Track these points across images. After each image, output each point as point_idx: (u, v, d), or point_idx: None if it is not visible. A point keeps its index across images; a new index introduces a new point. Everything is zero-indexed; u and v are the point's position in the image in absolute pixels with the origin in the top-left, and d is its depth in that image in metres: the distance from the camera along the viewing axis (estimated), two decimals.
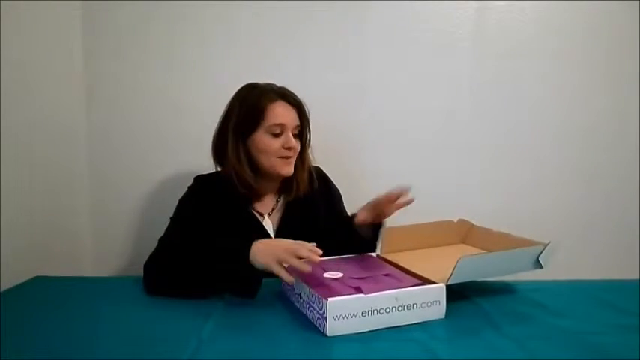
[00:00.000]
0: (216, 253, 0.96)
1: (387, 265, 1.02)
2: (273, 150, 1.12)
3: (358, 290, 0.84)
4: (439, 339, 0.79)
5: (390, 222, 1.13)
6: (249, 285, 0.93)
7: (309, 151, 1.22)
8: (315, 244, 0.91)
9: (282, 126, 1.12)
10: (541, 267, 0.97)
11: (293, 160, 1.15)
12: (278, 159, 1.13)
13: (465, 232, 1.20)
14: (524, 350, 0.75)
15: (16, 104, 1.16)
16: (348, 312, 0.80)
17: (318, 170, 1.27)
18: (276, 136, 1.12)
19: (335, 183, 1.30)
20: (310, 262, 0.88)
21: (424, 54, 1.52)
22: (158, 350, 0.74)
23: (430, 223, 1.18)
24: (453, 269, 0.86)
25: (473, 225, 1.20)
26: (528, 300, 0.98)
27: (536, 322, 0.87)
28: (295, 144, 1.14)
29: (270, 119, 1.12)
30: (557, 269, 0.97)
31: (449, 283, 0.87)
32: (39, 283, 1.10)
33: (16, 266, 1.11)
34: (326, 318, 0.79)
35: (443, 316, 0.86)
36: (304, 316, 0.88)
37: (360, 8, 1.49)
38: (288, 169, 1.14)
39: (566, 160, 1.57)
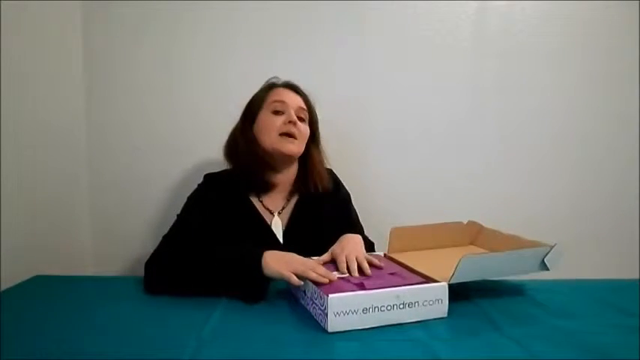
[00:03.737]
0: (226, 258, 0.96)
1: (394, 264, 1.03)
2: (274, 126, 1.11)
3: (360, 287, 0.85)
4: (440, 339, 0.79)
5: (397, 222, 1.12)
6: (258, 293, 0.94)
7: (320, 148, 1.22)
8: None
9: (283, 103, 1.12)
10: (547, 269, 0.96)
11: (298, 142, 1.13)
12: (280, 137, 1.11)
13: (474, 234, 1.20)
14: (524, 350, 0.75)
15: (16, 104, 1.16)
16: (348, 308, 0.80)
17: (330, 172, 1.26)
18: (278, 113, 1.12)
19: None
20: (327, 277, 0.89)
21: (424, 54, 1.52)
22: (158, 350, 0.74)
23: (439, 223, 1.17)
24: (456, 268, 0.86)
25: (482, 226, 1.19)
26: (529, 300, 0.98)
27: (536, 322, 0.87)
28: (297, 121, 1.12)
29: (272, 97, 1.14)
30: (557, 269, 0.97)
31: (451, 282, 0.87)
32: (39, 282, 1.10)
33: (16, 266, 1.11)
34: (327, 314, 0.79)
35: (445, 315, 0.86)
36: (304, 314, 0.88)
37: (360, 8, 1.49)
38: (290, 148, 1.12)
39: (566, 159, 1.58)
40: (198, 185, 1.19)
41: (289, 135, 1.11)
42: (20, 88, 1.18)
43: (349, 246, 1.02)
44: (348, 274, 0.94)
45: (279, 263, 0.93)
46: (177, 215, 1.14)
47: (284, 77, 1.23)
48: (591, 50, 1.54)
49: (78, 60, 1.45)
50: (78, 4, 1.44)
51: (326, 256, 1.02)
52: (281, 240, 1.15)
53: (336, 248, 1.03)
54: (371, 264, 0.98)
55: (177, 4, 1.45)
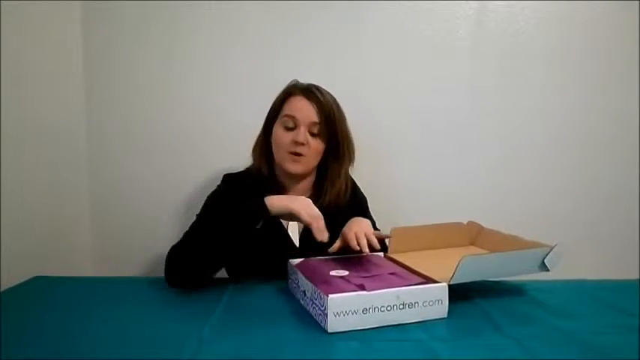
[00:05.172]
0: (233, 208, 1.00)
1: (394, 264, 1.03)
2: (283, 143, 1.10)
3: (361, 288, 0.85)
4: (440, 339, 0.79)
5: (397, 222, 1.12)
6: (259, 210, 0.97)
7: (343, 161, 1.17)
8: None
9: (294, 119, 1.10)
10: (547, 270, 0.96)
11: (304, 160, 1.11)
12: (287, 154, 1.10)
13: (474, 234, 1.19)
14: (524, 350, 0.75)
15: (16, 104, 1.16)
16: (348, 309, 0.80)
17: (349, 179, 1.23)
18: (289, 129, 1.11)
19: None
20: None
21: (424, 54, 1.52)
22: (158, 350, 0.74)
23: (439, 224, 1.16)
24: (456, 269, 0.86)
25: (482, 227, 1.18)
26: (529, 300, 0.99)
27: (536, 323, 0.87)
28: (306, 139, 1.09)
29: (285, 110, 1.12)
30: (557, 269, 0.97)
31: (451, 282, 0.86)
32: (39, 283, 1.10)
33: (16, 266, 1.11)
34: (327, 314, 0.79)
35: (445, 316, 0.86)
36: (304, 314, 0.88)
37: (359, 8, 1.49)
38: (294, 167, 1.11)
39: (566, 159, 1.58)
40: (218, 185, 1.19)
41: (296, 154, 1.10)
42: (20, 88, 1.18)
43: (358, 225, 1.05)
44: (348, 273, 0.94)
45: (284, 199, 0.98)
46: (197, 215, 1.14)
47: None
48: (591, 50, 1.54)
49: (78, 60, 1.45)
50: (78, 4, 1.44)
51: (338, 243, 1.04)
52: (297, 243, 1.15)
53: (345, 230, 1.05)
54: (379, 238, 1.02)
55: (177, 4, 1.45)
